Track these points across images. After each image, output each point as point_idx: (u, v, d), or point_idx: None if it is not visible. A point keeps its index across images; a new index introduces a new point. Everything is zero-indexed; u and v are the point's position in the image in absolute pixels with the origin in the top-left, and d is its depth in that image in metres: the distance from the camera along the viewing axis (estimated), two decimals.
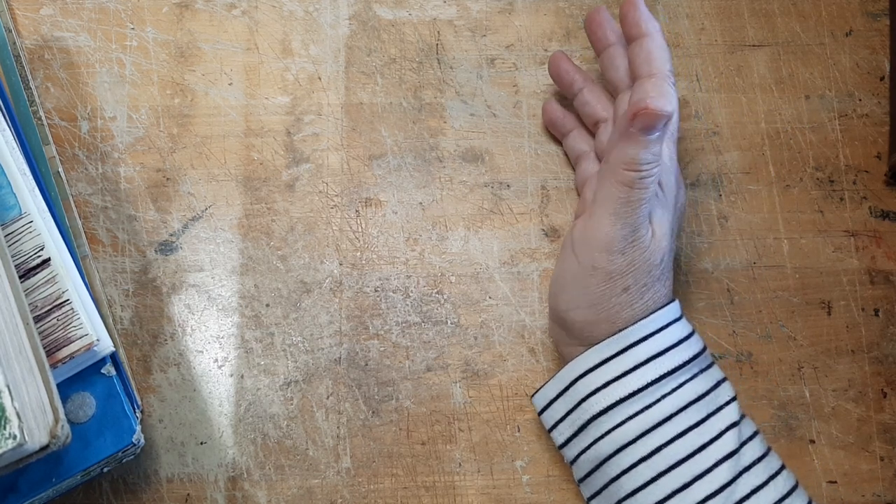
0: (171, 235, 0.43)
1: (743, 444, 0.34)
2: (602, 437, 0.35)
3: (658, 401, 0.34)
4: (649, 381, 0.34)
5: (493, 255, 0.43)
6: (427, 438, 0.40)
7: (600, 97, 0.41)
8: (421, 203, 0.44)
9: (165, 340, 0.41)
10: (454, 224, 0.43)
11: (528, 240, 0.43)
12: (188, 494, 0.39)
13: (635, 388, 0.34)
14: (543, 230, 0.43)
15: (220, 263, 0.42)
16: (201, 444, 0.40)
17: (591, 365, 0.35)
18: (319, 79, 0.45)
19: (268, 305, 0.42)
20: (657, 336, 0.35)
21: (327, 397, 0.41)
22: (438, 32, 0.46)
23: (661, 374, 0.34)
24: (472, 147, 0.45)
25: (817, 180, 0.45)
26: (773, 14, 0.47)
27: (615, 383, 0.35)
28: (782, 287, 0.43)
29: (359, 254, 0.43)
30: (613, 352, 0.35)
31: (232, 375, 0.41)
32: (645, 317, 0.35)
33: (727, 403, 0.35)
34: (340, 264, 0.43)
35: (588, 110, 0.41)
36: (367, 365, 0.41)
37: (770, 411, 0.41)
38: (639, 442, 0.34)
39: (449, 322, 0.42)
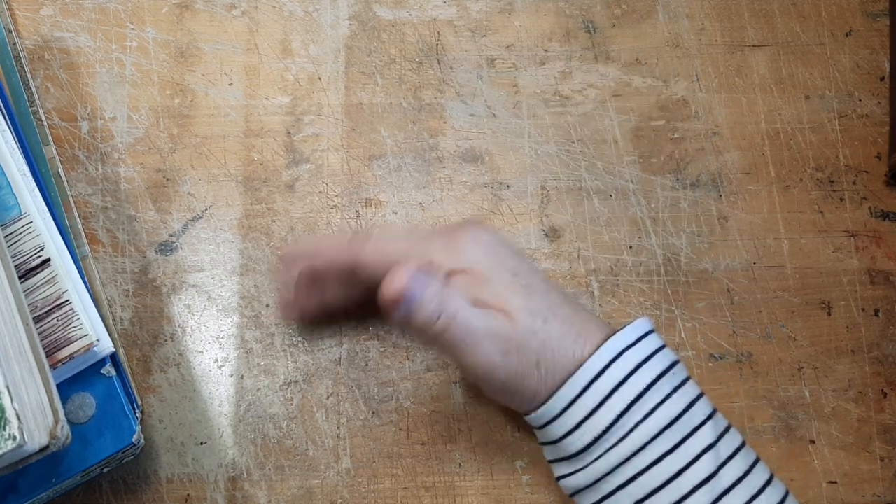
0: (171, 236, 0.43)
1: (720, 436, 0.33)
2: (584, 468, 0.34)
3: (635, 426, 0.33)
4: (618, 413, 0.33)
5: None
6: (427, 439, 0.40)
7: None
8: (421, 203, 0.44)
9: (165, 341, 0.41)
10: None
11: (527, 240, 0.43)
12: (188, 495, 0.39)
13: (607, 424, 0.33)
14: (543, 230, 0.43)
15: (220, 264, 0.42)
16: (201, 444, 0.40)
17: (556, 412, 0.34)
18: (319, 79, 0.45)
19: (268, 306, 0.42)
20: (613, 367, 0.33)
21: (327, 398, 0.41)
22: (438, 33, 0.46)
23: (629, 402, 0.33)
24: (472, 147, 0.45)
25: (817, 180, 0.45)
26: (773, 14, 0.47)
27: (590, 419, 0.33)
28: (782, 287, 0.43)
29: None
30: (575, 394, 0.33)
31: (232, 376, 0.41)
32: (592, 354, 0.33)
33: (697, 399, 0.34)
34: None
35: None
36: (367, 365, 0.41)
37: (770, 411, 0.41)
38: (627, 463, 0.33)
39: None
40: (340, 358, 0.41)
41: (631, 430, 0.33)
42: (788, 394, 0.41)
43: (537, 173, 0.44)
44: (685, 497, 0.32)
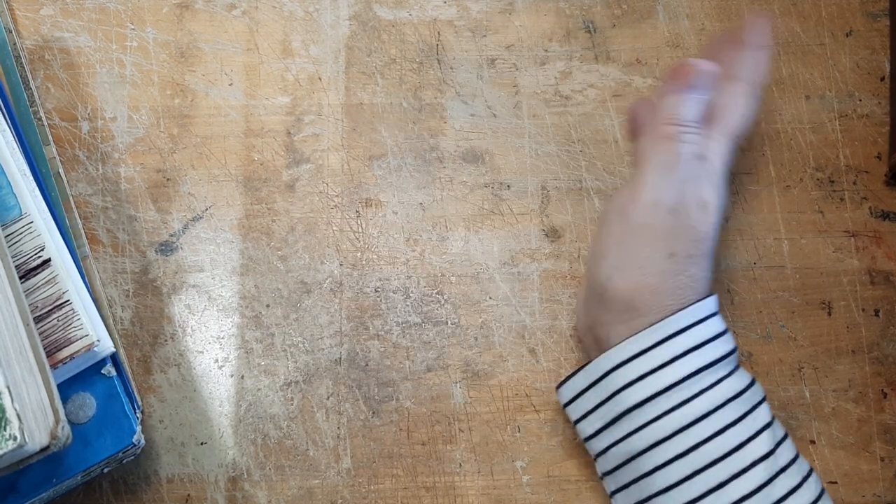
0: (172, 236, 0.43)
1: (778, 444, 0.34)
2: (635, 431, 0.34)
3: (696, 396, 0.34)
4: (687, 374, 0.34)
5: (493, 255, 0.43)
6: (427, 439, 0.40)
7: None
8: (421, 203, 0.44)
9: (166, 341, 0.41)
10: (454, 224, 0.43)
11: (528, 240, 0.43)
12: (188, 495, 0.39)
13: (672, 381, 0.34)
14: (543, 230, 0.43)
15: (220, 264, 0.42)
16: (201, 444, 0.40)
17: (627, 356, 0.35)
18: (319, 79, 0.45)
19: (268, 306, 0.42)
20: (697, 328, 0.34)
21: (327, 398, 0.41)
22: (438, 33, 0.46)
23: (699, 367, 0.34)
24: (472, 147, 0.45)
25: (817, 180, 0.45)
26: (772, 14, 0.47)
27: (652, 376, 0.34)
28: (782, 287, 0.43)
29: (359, 254, 0.43)
30: (651, 342, 0.34)
31: (232, 376, 0.41)
32: (686, 307, 0.34)
33: (760, 403, 0.35)
34: (341, 265, 0.43)
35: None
36: (367, 365, 0.41)
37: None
38: (675, 438, 0.33)
39: (449, 322, 0.42)
40: (340, 358, 0.41)
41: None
42: (788, 394, 0.41)
43: (537, 173, 0.44)
44: (746, 470, 0.33)
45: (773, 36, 0.47)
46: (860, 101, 0.46)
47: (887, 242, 0.44)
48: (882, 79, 0.46)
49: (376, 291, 0.42)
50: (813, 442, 0.41)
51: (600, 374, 0.36)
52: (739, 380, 0.35)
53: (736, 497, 0.33)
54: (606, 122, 0.45)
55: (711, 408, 0.34)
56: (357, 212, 0.43)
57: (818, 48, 0.47)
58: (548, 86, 0.45)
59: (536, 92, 0.45)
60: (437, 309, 0.42)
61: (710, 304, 0.35)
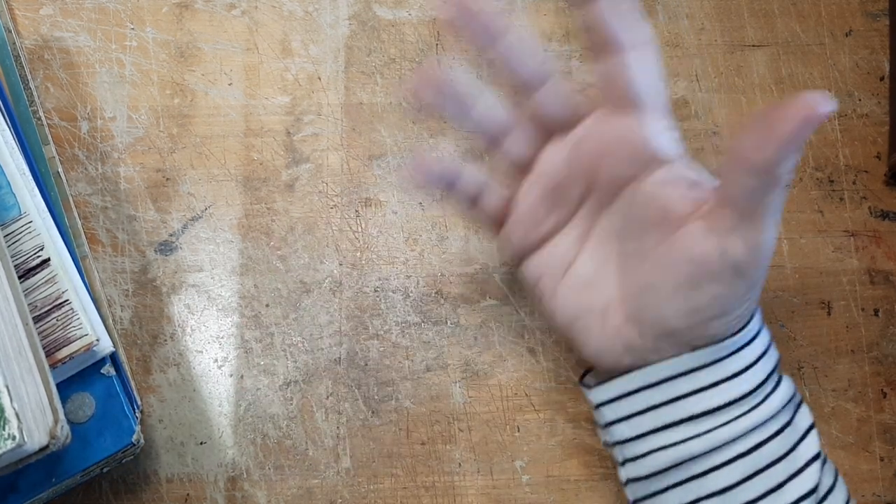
0: (171, 235, 0.43)
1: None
2: (695, 437, 0.32)
3: (758, 405, 0.32)
4: (752, 387, 0.32)
5: (492, 254, 0.43)
6: (427, 438, 0.40)
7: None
8: (421, 203, 0.44)
9: (165, 340, 0.41)
10: (454, 224, 0.43)
11: None
12: (188, 494, 0.39)
13: (739, 395, 0.32)
14: None
15: (219, 263, 0.42)
16: (201, 444, 0.40)
17: (690, 367, 0.33)
18: (319, 79, 0.45)
19: (267, 305, 0.42)
20: (751, 346, 0.33)
21: (327, 397, 0.41)
22: (438, 32, 0.46)
23: (762, 377, 0.33)
24: (472, 147, 0.45)
25: (817, 180, 0.45)
26: (772, 14, 0.47)
27: (714, 388, 0.32)
28: (782, 287, 0.43)
29: (358, 254, 0.43)
30: (707, 361, 0.33)
31: (232, 375, 0.41)
32: (743, 327, 0.33)
33: (802, 402, 0.34)
34: (340, 264, 0.43)
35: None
36: (366, 365, 0.41)
37: None
38: (738, 441, 0.32)
39: (448, 322, 0.42)
40: (340, 358, 0.41)
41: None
42: None
43: None
44: (802, 470, 0.33)
45: (775, 36, 0.47)
46: (860, 100, 0.46)
47: (887, 242, 0.44)
48: (881, 78, 0.46)
49: (376, 291, 0.42)
50: None
51: (658, 379, 0.33)
52: (788, 381, 0.34)
53: (791, 499, 0.32)
54: None
55: (772, 414, 0.32)
56: (356, 211, 0.43)
57: (818, 48, 0.47)
58: None
59: None
60: (437, 308, 0.42)
61: (759, 318, 0.34)
